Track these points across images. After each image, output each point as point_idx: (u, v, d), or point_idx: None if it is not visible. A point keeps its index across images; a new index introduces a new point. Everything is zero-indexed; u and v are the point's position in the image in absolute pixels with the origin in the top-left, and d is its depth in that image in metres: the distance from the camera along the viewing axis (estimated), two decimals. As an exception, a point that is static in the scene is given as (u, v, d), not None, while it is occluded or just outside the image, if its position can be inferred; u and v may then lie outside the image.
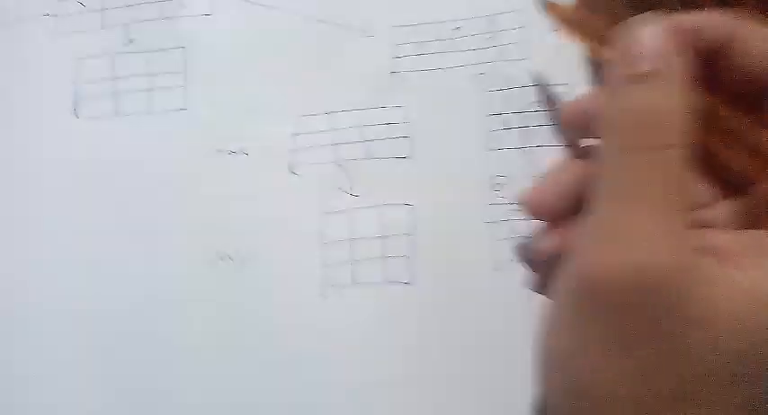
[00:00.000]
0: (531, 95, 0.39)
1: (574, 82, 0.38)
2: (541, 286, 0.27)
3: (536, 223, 0.27)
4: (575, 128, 0.27)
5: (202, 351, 0.36)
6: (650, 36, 0.22)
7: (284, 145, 0.39)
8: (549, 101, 0.38)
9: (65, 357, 0.37)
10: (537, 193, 0.26)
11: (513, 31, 0.40)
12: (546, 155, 0.38)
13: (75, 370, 0.37)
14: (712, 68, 0.24)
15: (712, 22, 0.24)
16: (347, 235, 0.38)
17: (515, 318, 0.35)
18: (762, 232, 0.23)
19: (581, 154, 0.26)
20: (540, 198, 0.26)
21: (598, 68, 0.37)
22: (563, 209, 0.25)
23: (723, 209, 0.25)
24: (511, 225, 0.37)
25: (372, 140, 0.39)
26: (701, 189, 0.25)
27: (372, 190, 0.38)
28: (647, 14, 0.23)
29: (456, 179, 0.38)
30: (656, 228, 0.20)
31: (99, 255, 0.38)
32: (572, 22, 0.32)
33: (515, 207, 0.37)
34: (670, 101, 0.21)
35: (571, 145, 0.27)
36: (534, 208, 0.26)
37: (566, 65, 0.39)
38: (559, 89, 0.38)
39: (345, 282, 0.37)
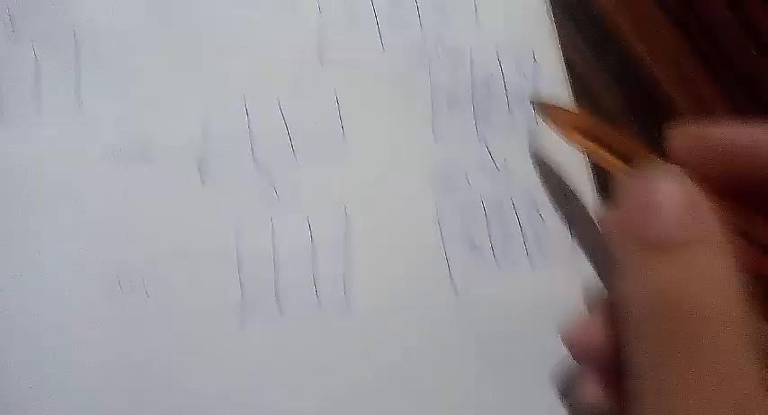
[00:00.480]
0: (484, 69, 0.32)
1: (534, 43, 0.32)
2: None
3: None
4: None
5: (100, 394, 0.30)
6: (675, 194, 0.18)
7: (193, 147, 0.32)
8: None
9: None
10: (581, 332, 0.24)
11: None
12: (503, 136, 0.32)
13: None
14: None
15: (737, 134, 0.21)
16: (269, 251, 0.31)
17: (476, 351, 0.30)
18: None
19: None
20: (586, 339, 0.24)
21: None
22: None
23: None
24: (465, 223, 0.31)
25: (298, 134, 0.33)
26: None
27: (299, 194, 0.32)
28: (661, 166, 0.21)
29: (398, 174, 0.32)
30: None
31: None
32: (568, 124, 0.27)
33: (469, 205, 0.31)
34: (713, 279, 0.18)
35: None
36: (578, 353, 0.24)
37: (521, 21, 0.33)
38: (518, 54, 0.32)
39: (269, 309, 0.31)
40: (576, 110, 0.31)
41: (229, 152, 0.33)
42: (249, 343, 0.30)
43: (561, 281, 0.30)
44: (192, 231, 0.32)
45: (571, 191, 0.31)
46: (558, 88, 0.32)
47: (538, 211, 0.31)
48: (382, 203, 0.32)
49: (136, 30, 0.34)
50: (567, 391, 0.26)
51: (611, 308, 0.22)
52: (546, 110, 0.30)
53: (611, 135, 0.27)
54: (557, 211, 0.31)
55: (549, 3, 0.33)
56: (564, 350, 0.25)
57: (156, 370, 0.30)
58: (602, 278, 0.30)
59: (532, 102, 0.31)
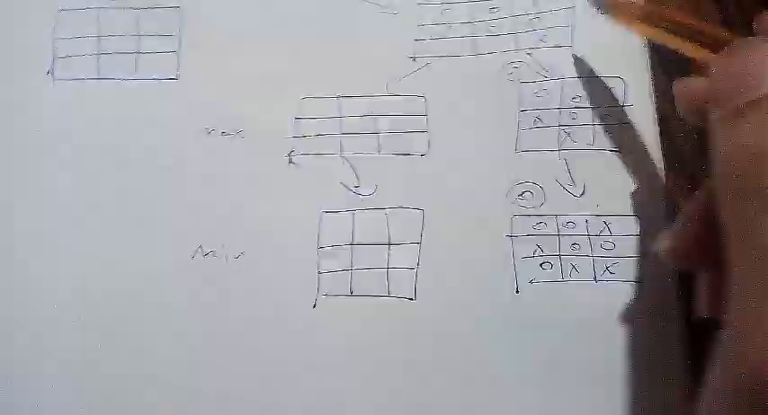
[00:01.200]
0: (574, 89, 0.34)
1: (629, 76, 0.33)
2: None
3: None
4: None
5: (176, 362, 0.32)
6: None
7: (285, 129, 0.34)
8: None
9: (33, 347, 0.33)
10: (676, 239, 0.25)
11: (558, 13, 0.35)
12: (585, 161, 0.33)
13: (53, 365, 0.32)
14: None
15: None
16: (347, 239, 0.33)
17: (534, 352, 0.31)
18: None
19: None
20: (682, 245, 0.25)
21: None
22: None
23: None
24: (536, 240, 0.32)
25: (385, 132, 0.34)
26: None
27: (380, 189, 0.33)
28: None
29: (477, 183, 0.33)
30: None
31: (63, 239, 0.33)
32: (640, 16, 0.28)
33: (543, 220, 0.32)
34: None
35: None
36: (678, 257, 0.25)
37: (618, 54, 0.34)
38: (611, 83, 0.33)
39: (341, 292, 0.32)
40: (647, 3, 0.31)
41: (319, 141, 0.34)
42: (321, 320, 0.32)
43: (624, 297, 0.31)
44: (275, 208, 0.33)
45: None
46: (647, 115, 0.33)
47: (610, 233, 0.32)
48: (459, 206, 0.33)
49: (242, 12, 0.35)
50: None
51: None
52: (615, 6, 0.30)
53: (689, 23, 0.27)
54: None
55: (648, 44, 0.34)
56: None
57: (227, 338, 0.32)
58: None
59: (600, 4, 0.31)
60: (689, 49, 0.27)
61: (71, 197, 0.34)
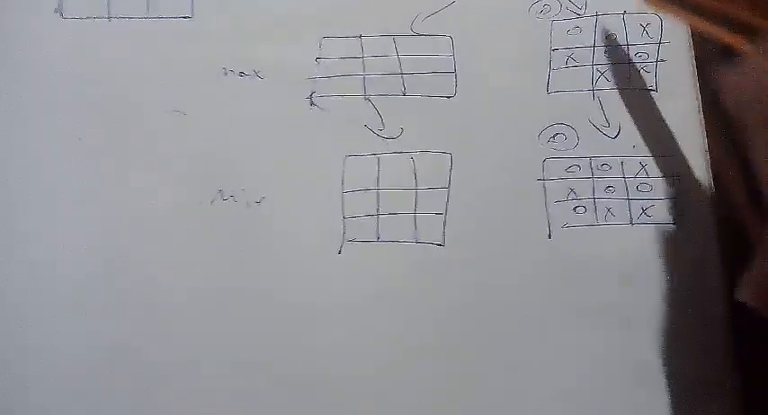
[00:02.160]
0: (608, 26, 0.32)
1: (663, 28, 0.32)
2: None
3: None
4: None
5: (197, 302, 0.30)
6: None
7: (305, 70, 0.33)
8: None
9: (56, 287, 0.31)
10: None
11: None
12: (616, 101, 0.31)
13: (68, 304, 0.31)
14: None
15: None
16: (373, 184, 0.32)
17: (566, 297, 0.30)
18: None
19: None
20: None
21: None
22: None
23: None
24: (569, 184, 0.31)
25: (410, 73, 0.33)
26: None
27: (406, 133, 0.32)
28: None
29: (507, 126, 0.32)
30: None
31: (83, 181, 0.32)
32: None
33: (576, 163, 0.31)
34: None
35: None
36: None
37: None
38: (647, 19, 0.32)
39: (368, 238, 0.31)
40: None
41: (341, 81, 0.32)
42: (346, 267, 0.31)
43: (657, 240, 0.30)
44: (297, 151, 0.32)
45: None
46: (683, 52, 0.32)
47: (647, 174, 0.31)
48: (488, 150, 0.32)
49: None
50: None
51: None
52: None
53: (721, 8, 0.26)
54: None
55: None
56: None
57: (248, 286, 0.31)
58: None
59: None
60: (723, 36, 0.26)
61: (83, 142, 0.32)
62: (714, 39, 0.27)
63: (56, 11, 0.33)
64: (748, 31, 0.25)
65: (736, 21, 0.25)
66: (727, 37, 0.26)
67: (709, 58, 0.32)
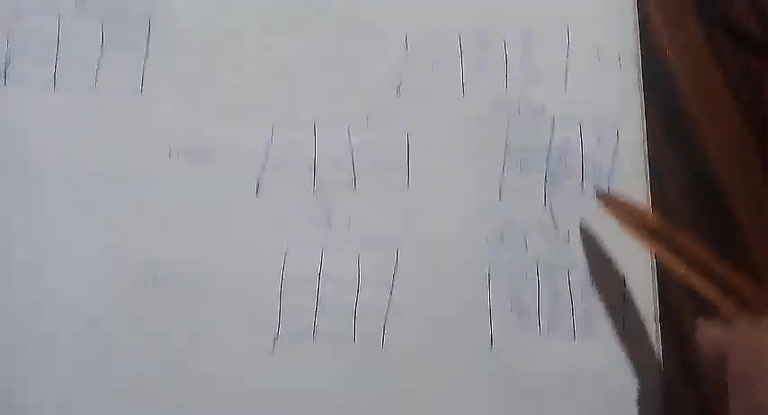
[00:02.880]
0: (564, 132, 0.32)
1: (623, 122, 0.32)
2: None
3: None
4: None
5: (123, 393, 0.29)
6: None
7: (254, 156, 0.32)
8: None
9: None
10: None
11: (551, 51, 0.33)
12: (572, 209, 0.31)
13: None
14: None
15: None
16: (313, 279, 0.30)
17: (505, 409, 0.29)
18: None
19: None
20: None
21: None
22: None
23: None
24: (515, 290, 0.30)
25: (362, 167, 0.32)
26: None
27: (353, 228, 0.31)
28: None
29: (457, 225, 0.31)
30: None
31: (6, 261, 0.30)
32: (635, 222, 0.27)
33: (524, 266, 0.31)
34: None
35: None
36: None
37: (613, 98, 0.32)
38: (603, 127, 0.32)
39: (304, 338, 0.30)
40: (647, 210, 0.31)
41: (290, 170, 0.32)
42: (277, 367, 0.29)
43: (603, 355, 0.30)
44: (239, 240, 0.31)
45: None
46: (636, 177, 0.32)
47: (592, 286, 0.30)
48: (435, 250, 0.31)
49: (218, 25, 0.33)
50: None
51: None
52: (612, 203, 0.29)
53: (685, 242, 0.26)
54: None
55: (641, 87, 0.32)
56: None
57: (177, 374, 0.29)
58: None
59: (598, 194, 0.31)
60: (710, 292, 0.26)
61: (15, 211, 0.31)
62: (696, 290, 0.26)
63: (0, 76, 0.32)
64: (742, 300, 0.25)
65: (729, 284, 0.26)
66: (700, 286, 0.26)
67: (663, 169, 0.32)
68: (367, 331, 0.30)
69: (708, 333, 0.24)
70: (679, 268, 0.26)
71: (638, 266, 0.30)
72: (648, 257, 0.30)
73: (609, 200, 0.30)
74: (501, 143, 0.32)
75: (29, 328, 0.29)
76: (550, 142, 0.32)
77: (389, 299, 0.30)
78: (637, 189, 0.31)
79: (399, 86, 0.33)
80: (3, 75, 0.32)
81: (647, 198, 0.31)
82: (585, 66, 0.33)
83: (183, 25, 0.33)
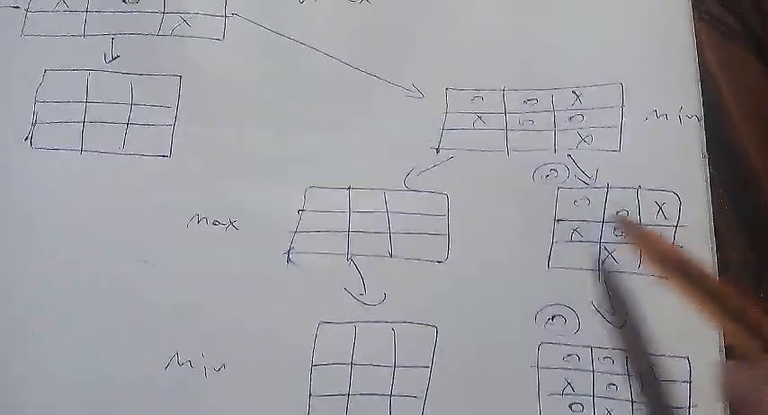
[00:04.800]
0: (620, 201, 0.29)
1: (685, 191, 0.29)
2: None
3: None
4: None
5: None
6: None
7: (285, 221, 0.30)
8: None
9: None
10: None
11: (604, 111, 0.31)
12: (629, 286, 0.28)
13: None
14: None
15: None
16: (346, 357, 0.28)
17: None
18: None
19: None
20: None
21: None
22: None
23: None
24: (566, 375, 0.28)
25: (399, 233, 0.30)
26: None
27: (389, 299, 0.29)
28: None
29: (501, 301, 0.29)
30: None
31: (29, 321, 0.29)
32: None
33: (575, 351, 0.28)
34: None
35: None
36: None
37: (673, 163, 0.30)
38: (663, 197, 0.29)
39: (335, 422, 0.28)
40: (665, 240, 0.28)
41: (323, 237, 0.30)
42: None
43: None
44: (267, 313, 0.29)
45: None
46: (701, 248, 0.28)
47: (652, 373, 0.27)
48: (478, 327, 0.28)
49: (249, 85, 0.32)
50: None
51: None
52: (636, 232, 0.27)
53: (704, 276, 0.23)
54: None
55: (704, 148, 0.30)
56: None
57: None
58: None
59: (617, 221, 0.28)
60: (738, 337, 0.22)
61: (41, 276, 0.29)
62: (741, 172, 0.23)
63: (26, 139, 0.31)
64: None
65: (757, 326, 0.23)
66: (739, 336, 0.23)
67: (731, 242, 0.29)
68: (403, 419, 0.28)
69: (733, 377, 0.21)
70: (700, 302, 0.23)
71: (706, 351, 0.27)
72: (718, 342, 0.27)
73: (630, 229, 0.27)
74: (550, 209, 0.30)
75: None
76: (604, 210, 0.29)
77: (428, 381, 0.28)
78: (703, 263, 0.28)
79: (438, 146, 0.31)
80: (30, 138, 0.31)
81: (715, 274, 0.28)
82: (642, 127, 0.30)
83: (213, 84, 0.32)
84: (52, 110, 0.32)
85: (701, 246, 0.28)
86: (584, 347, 0.28)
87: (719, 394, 0.23)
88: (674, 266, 0.24)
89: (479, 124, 0.31)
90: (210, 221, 0.30)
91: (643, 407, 0.27)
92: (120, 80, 0.32)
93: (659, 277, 0.25)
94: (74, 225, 0.30)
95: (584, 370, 0.28)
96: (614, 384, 0.27)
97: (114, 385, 0.28)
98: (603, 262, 0.29)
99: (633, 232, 0.28)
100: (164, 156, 0.31)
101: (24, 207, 0.30)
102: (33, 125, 0.31)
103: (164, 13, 0.33)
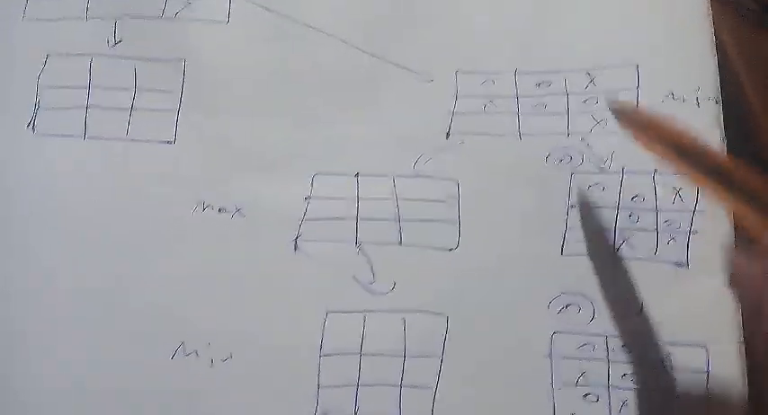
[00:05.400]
0: (635, 186, 0.28)
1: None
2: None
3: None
4: None
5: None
6: None
7: (292, 209, 0.29)
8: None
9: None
10: None
11: (618, 94, 0.30)
12: (645, 273, 0.27)
13: None
14: None
15: None
16: (355, 347, 0.28)
17: None
18: None
19: None
20: None
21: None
22: None
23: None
24: (580, 366, 0.27)
25: (408, 220, 0.29)
26: None
27: (398, 288, 0.28)
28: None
29: (513, 289, 0.28)
30: None
31: (31, 308, 0.28)
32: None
33: (590, 340, 0.27)
34: None
35: None
36: None
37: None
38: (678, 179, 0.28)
39: (345, 413, 0.27)
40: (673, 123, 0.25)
41: (331, 225, 0.29)
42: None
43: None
44: (274, 303, 0.28)
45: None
46: (719, 235, 0.28)
47: (671, 366, 0.27)
48: (489, 316, 0.28)
49: (254, 70, 0.31)
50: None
51: None
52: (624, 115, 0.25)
53: (721, 160, 0.22)
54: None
55: (722, 129, 0.29)
56: None
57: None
58: None
59: (611, 108, 0.27)
60: (747, 218, 0.21)
61: (43, 262, 0.29)
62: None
63: (28, 126, 0.31)
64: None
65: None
66: (752, 221, 0.21)
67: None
68: (414, 408, 0.27)
69: (745, 267, 0.20)
70: (706, 182, 0.22)
71: (723, 339, 0.27)
72: (736, 331, 0.27)
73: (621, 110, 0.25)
74: (563, 195, 0.29)
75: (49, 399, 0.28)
76: (620, 195, 0.28)
77: (439, 371, 0.27)
78: (721, 250, 0.27)
79: (449, 131, 0.30)
80: (32, 124, 0.31)
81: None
82: (658, 110, 0.29)
83: (218, 69, 0.31)
84: (55, 95, 0.31)
85: (719, 231, 0.28)
86: (598, 336, 0.27)
87: (729, 284, 0.22)
88: (678, 146, 0.23)
89: (491, 108, 0.30)
90: (216, 208, 0.29)
91: (659, 397, 0.26)
92: (123, 65, 0.31)
93: (662, 158, 0.23)
94: (77, 211, 0.29)
95: (598, 360, 0.27)
96: (629, 374, 0.27)
97: (119, 375, 0.28)
98: (619, 249, 0.28)
99: (630, 117, 0.25)
100: (168, 143, 0.30)
101: (27, 193, 0.30)
102: (36, 111, 0.31)
103: (166, -5, 0.32)
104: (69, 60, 0.31)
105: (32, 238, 0.29)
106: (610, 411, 0.26)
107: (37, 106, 0.31)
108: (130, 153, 0.30)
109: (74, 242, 0.29)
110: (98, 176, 0.30)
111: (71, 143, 0.30)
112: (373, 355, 0.28)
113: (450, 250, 0.29)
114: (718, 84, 0.29)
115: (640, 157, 0.28)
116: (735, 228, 0.27)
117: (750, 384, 0.26)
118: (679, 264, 0.27)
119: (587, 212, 0.28)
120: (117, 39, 0.31)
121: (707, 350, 0.26)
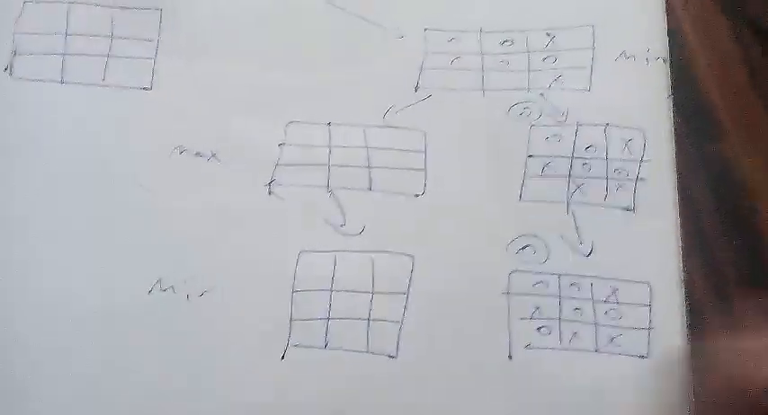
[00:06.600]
0: (588, 137, 0.31)
1: (650, 128, 0.30)
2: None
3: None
4: None
5: (125, 400, 0.28)
6: None
7: (267, 154, 0.31)
8: None
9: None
10: None
11: (576, 53, 0.32)
12: (596, 217, 0.30)
13: None
14: None
15: None
16: (326, 284, 0.29)
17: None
18: None
19: None
20: None
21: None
22: None
23: None
24: (534, 301, 0.29)
25: (378, 167, 0.31)
26: None
27: (368, 230, 0.30)
28: None
29: (475, 232, 0.30)
30: None
31: (10, 259, 0.29)
32: None
33: (544, 279, 0.29)
34: None
35: None
36: None
37: (640, 103, 0.31)
38: (629, 133, 0.30)
39: (315, 344, 0.29)
40: None
41: (303, 171, 0.30)
42: (288, 375, 0.28)
43: (629, 373, 0.28)
44: (249, 242, 0.30)
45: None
46: (664, 183, 0.30)
47: (617, 300, 0.29)
48: (452, 256, 0.30)
49: (231, 21, 0.32)
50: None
51: None
52: None
53: None
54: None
55: (670, 88, 0.31)
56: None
57: (183, 388, 0.28)
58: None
59: None
60: None
61: (19, 204, 0.30)
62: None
63: (5, 69, 0.31)
64: None
65: None
66: None
67: (692, 177, 0.30)
68: (381, 340, 0.29)
69: None
70: None
71: (665, 276, 0.29)
72: (677, 269, 0.29)
73: None
74: (522, 146, 0.31)
75: (27, 330, 0.29)
76: (574, 146, 0.31)
77: (405, 307, 0.29)
78: (665, 196, 0.30)
79: (417, 85, 0.32)
80: (9, 68, 0.31)
81: (675, 206, 0.30)
82: (611, 68, 0.31)
83: (194, 18, 0.32)
84: (32, 41, 0.31)
85: (663, 179, 0.30)
86: (552, 274, 0.29)
87: None
88: None
89: (457, 64, 0.32)
90: (193, 152, 0.30)
91: (606, 330, 0.29)
92: (100, 13, 0.32)
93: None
94: (55, 153, 0.30)
95: (551, 296, 0.29)
96: (579, 309, 0.29)
97: (97, 309, 0.29)
98: (572, 195, 0.30)
99: None
100: (145, 89, 0.31)
101: (5, 135, 0.30)
102: (13, 56, 0.31)
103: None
104: (46, 7, 0.32)
105: (11, 176, 0.30)
106: (560, 342, 0.29)
107: (14, 51, 0.31)
108: (108, 98, 0.31)
109: (50, 183, 0.30)
110: (76, 120, 0.31)
111: (48, 87, 0.31)
112: (344, 291, 0.29)
113: (417, 195, 0.30)
114: (667, 44, 0.32)
115: (594, 111, 0.31)
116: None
117: (688, 315, 0.29)
118: (627, 209, 0.30)
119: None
120: (94, -13, 0.32)
121: (650, 287, 0.29)
